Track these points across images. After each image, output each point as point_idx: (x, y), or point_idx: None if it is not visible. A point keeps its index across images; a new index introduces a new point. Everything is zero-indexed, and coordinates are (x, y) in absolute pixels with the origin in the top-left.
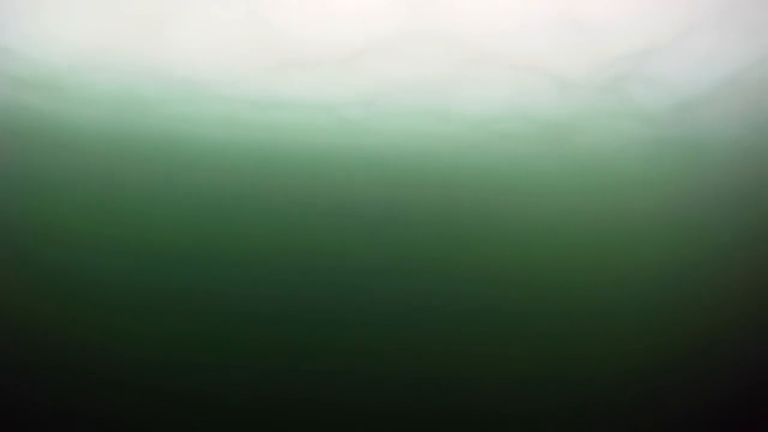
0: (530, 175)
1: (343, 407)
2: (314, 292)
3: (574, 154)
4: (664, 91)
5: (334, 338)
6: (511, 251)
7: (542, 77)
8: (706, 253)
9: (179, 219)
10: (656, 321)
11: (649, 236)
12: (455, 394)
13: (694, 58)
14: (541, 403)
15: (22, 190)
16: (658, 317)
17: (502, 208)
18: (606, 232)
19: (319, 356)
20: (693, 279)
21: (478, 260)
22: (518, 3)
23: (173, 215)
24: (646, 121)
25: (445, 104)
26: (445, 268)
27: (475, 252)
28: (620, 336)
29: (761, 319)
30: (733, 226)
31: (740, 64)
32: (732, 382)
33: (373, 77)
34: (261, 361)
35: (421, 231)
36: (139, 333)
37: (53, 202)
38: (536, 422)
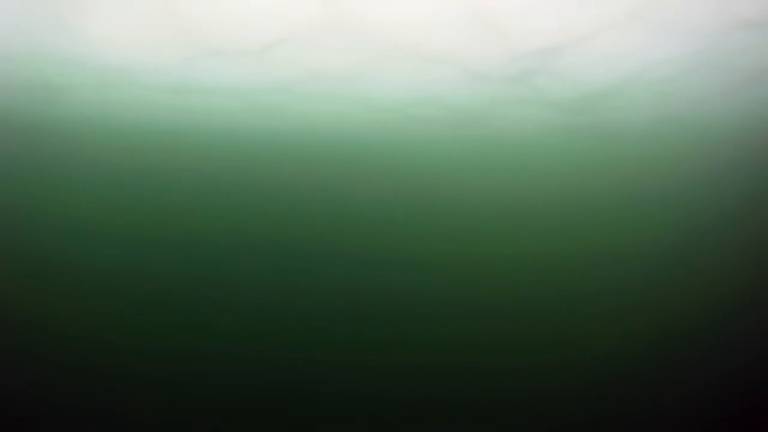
0: (443, 157)
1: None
2: (225, 274)
3: (485, 137)
4: (571, 83)
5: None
6: (426, 232)
7: (454, 68)
8: (612, 236)
9: (93, 200)
10: (559, 309)
11: (556, 218)
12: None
13: (600, 54)
14: (517, 389)
15: None
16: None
17: (416, 188)
18: (515, 215)
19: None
20: (598, 260)
21: (394, 240)
22: None
23: (88, 197)
24: (555, 110)
25: (358, 91)
26: (360, 247)
27: (391, 232)
28: (512, 325)
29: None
30: (636, 210)
31: (645, 63)
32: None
33: (287, 65)
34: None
35: (333, 211)
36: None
37: None
38: (514, 406)
